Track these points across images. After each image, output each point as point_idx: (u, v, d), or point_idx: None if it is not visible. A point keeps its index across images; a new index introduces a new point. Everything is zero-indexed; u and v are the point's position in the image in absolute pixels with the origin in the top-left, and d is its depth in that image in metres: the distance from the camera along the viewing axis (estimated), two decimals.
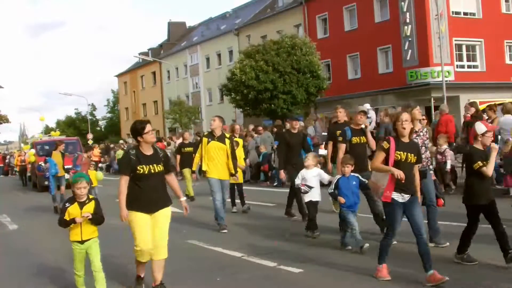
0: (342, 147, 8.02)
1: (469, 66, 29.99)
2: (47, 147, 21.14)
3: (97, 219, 5.52)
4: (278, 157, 10.10)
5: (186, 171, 13.94)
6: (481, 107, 14.00)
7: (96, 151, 27.49)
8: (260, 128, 19.75)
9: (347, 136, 8.04)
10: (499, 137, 10.54)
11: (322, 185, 8.03)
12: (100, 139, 52.47)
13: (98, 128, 69.70)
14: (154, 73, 56.77)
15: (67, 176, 13.49)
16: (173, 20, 60.86)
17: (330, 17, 34.61)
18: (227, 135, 9.41)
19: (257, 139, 18.83)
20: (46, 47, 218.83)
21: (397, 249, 6.72)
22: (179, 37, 57.29)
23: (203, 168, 9.14)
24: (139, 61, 58.64)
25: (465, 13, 29.71)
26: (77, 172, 12.81)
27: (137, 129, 5.46)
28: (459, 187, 11.85)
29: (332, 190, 7.16)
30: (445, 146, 11.61)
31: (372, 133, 13.92)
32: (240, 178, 11.11)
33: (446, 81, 25.04)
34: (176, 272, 6.47)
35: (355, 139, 8.01)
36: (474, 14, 29.96)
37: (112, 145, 34.86)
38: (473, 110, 12.39)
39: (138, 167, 5.40)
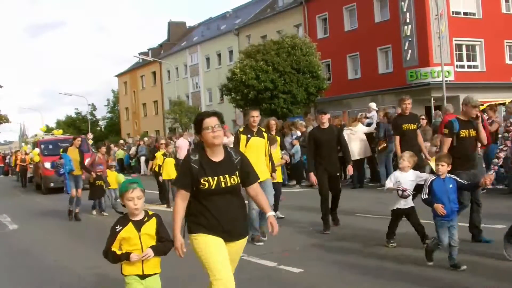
0: (447, 141, 6.85)
1: (469, 66, 29.99)
2: (50, 146, 20.44)
3: (163, 248, 3.85)
4: (307, 158, 8.87)
5: None
6: (481, 107, 13.97)
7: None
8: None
9: (454, 129, 6.85)
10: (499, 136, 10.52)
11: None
12: (100, 139, 52.45)
13: (98, 128, 69.69)
14: (154, 73, 56.78)
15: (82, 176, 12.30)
16: (173, 20, 60.93)
17: (330, 17, 34.62)
18: (262, 128, 8.19)
19: None
20: (46, 47, 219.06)
21: (399, 250, 6.72)
22: (179, 37, 57.31)
23: None
24: (139, 61, 58.64)
25: (465, 13, 29.72)
26: (100, 172, 12.33)
27: (195, 123, 3.96)
28: None
29: (426, 196, 5.79)
30: None
31: (372, 133, 14.03)
32: (278, 177, 9.22)
33: (446, 81, 25.06)
34: (176, 272, 6.47)
35: (463, 132, 6.81)
36: (474, 14, 29.96)
37: (111, 145, 34.82)
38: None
39: (202, 180, 3.80)
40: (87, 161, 12.67)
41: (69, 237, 9.83)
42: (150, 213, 3.90)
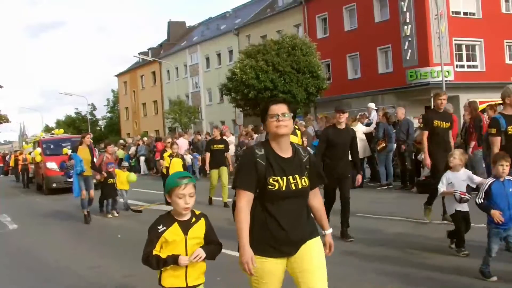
0: (497, 141, 6.15)
1: (469, 66, 30.00)
2: (52, 146, 20.02)
3: (215, 251, 3.31)
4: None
5: (214, 173, 11.97)
6: (481, 106, 13.98)
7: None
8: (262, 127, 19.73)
9: (501, 126, 6.17)
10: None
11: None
12: (100, 139, 52.45)
13: (98, 128, 69.72)
14: (154, 73, 56.78)
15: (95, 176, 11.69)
16: (173, 20, 60.93)
17: (330, 17, 34.62)
18: (296, 126, 7.50)
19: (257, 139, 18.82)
20: (46, 47, 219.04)
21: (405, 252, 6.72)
22: (179, 37, 57.31)
23: None
24: (139, 61, 58.64)
25: (465, 13, 29.72)
26: (112, 170, 11.87)
27: (261, 110, 3.38)
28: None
29: (482, 200, 5.16)
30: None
31: (372, 133, 14.03)
32: None
33: (446, 81, 25.06)
34: None
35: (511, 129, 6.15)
36: (474, 14, 29.97)
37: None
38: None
39: (271, 180, 3.15)
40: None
41: (69, 237, 9.83)
42: (197, 212, 3.28)
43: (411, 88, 28.32)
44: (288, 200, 3.19)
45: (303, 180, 3.23)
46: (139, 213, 11.94)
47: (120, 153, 28.93)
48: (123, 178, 12.32)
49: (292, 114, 3.27)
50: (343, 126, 7.48)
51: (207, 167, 12.16)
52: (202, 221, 3.25)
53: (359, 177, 7.89)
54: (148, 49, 58.12)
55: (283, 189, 3.16)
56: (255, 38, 37.83)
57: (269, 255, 3.20)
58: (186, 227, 3.17)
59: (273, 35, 33.94)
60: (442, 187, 6.03)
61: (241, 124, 31.27)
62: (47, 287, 6.51)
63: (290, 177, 3.19)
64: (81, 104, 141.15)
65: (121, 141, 34.65)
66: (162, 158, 12.87)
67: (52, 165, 18.45)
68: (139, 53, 53.85)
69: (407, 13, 28.58)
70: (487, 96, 24.29)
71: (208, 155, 12.11)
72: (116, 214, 11.78)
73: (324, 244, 3.37)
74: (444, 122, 8.06)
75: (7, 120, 42.86)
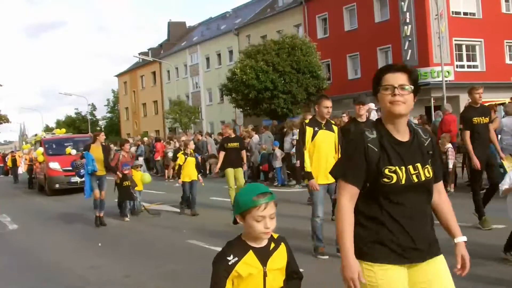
0: None
1: (469, 66, 29.99)
2: (54, 146, 19.50)
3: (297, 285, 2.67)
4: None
5: (229, 172, 11.15)
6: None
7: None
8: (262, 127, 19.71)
9: None
10: (499, 136, 10.53)
11: None
12: None
13: (98, 128, 69.71)
14: (154, 73, 56.79)
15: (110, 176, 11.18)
16: (173, 20, 60.96)
17: (330, 17, 34.61)
18: (332, 121, 6.86)
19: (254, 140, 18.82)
20: (46, 47, 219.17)
21: None
22: (179, 37, 57.32)
23: (307, 169, 6.50)
24: (139, 61, 58.65)
25: (465, 13, 29.71)
26: (128, 171, 11.24)
27: (373, 79, 2.73)
28: (459, 188, 11.86)
29: None
30: (448, 146, 11.61)
31: None
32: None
33: (446, 81, 25.06)
34: (176, 272, 6.48)
35: None
36: (474, 14, 29.96)
37: (111, 145, 34.70)
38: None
39: (387, 171, 2.49)
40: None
41: (69, 237, 9.83)
42: (275, 235, 2.55)
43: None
44: (408, 196, 2.50)
45: (426, 170, 2.53)
46: (157, 215, 11.33)
47: None
48: (137, 178, 11.77)
49: (412, 87, 2.53)
50: (363, 119, 6.94)
51: (218, 166, 11.54)
52: (282, 247, 2.54)
53: None
54: (148, 49, 58.14)
55: (403, 182, 2.47)
56: (255, 38, 37.83)
57: (392, 262, 2.48)
58: (264, 255, 2.43)
59: (273, 35, 33.95)
60: (503, 186, 5.43)
61: (241, 124, 31.27)
62: (47, 287, 6.51)
63: (410, 167, 2.49)
64: (81, 104, 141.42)
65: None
66: (176, 158, 11.94)
67: (54, 165, 18.06)
68: (139, 53, 53.85)
69: (407, 13, 28.56)
70: (487, 96, 24.17)
71: (222, 154, 11.31)
72: (127, 219, 11.16)
73: (454, 257, 2.62)
74: (483, 118, 7.61)
75: (7, 120, 42.92)
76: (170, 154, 22.38)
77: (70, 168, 17.71)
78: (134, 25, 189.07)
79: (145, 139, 29.16)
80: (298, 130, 15.99)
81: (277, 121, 22.48)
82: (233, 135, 11.71)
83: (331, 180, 6.34)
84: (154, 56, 53.53)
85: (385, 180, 2.48)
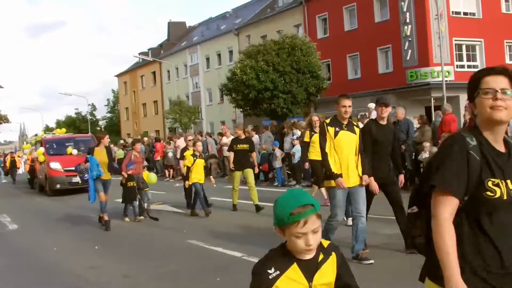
0: None
1: (469, 66, 29.97)
2: (55, 146, 19.26)
3: None
4: (361, 157, 6.38)
5: (236, 175, 11.16)
6: None
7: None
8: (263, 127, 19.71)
9: None
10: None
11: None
12: None
13: (98, 128, 69.75)
14: (154, 73, 56.80)
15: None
16: (173, 20, 60.97)
17: (330, 17, 34.62)
18: (355, 122, 6.60)
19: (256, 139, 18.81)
20: (46, 47, 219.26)
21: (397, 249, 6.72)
22: (179, 37, 57.33)
23: (333, 170, 6.20)
24: (139, 61, 58.66)
25: (465, 13, 29.72)
26: (134, 172, 10.91)
27: (469, 83, 2.35)
28: None
29: None
30: None
31: None
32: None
33: (446, 81, 25.04)
34: (176, 272, 6.48)
35: None
36: (474, 14, 29.97)
37: (111, 145, 34.58)
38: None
39: (489, 183, 2.18)
40: (116, 162, 11.73)
41: (69, 237, 9.83)
42: (326, 244, 2.22)
43: (411, 88, 28.31)
44: (508, 214, 2.19)
45: None
46: (154, 219, 10.86)
47: (120, 153, 28.81)
48: (144, 178, 11.45)
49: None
50: (385, 121, 6.70)
51: (231, 166, 11.42)
52: (333, 257, 2.20)
53: (401, 177, 7.14)
54: (148, 49, 58.16)
55: (505, 197, 2.16)
56: (255, 38, 37.84)
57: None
58: (310, 269, 2.13)
59: (273, 35, 33.95)
60: None
61: (241, 125, 31.28)
62: (47, 287, 6.51)
63: (509, 181, 2.19)
64: (81, 104, 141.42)
65: (122, 141, 34.67)
66: (182, 157, 11.63)
67: (55, 165, 17.87)
68: (139, 53, 53.88)
69: (407, 13, 28.58)
70: None
71: (232, 154, 11.37)
72: (126, 219, 10.95)
73: None
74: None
75: (7, 120, 42.90)
76: (170, 154, 22.40)
77: (72, 169, 17.35)
78: (134, 25, 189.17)
79: (145, 139, 29.15)
80: (297, 130, 15.80)
81: (277, 121, 22.47)
82: (243, 136, 11.58)
83: (353, 183, 6.21)
84: (154, 56, 53.54)
85: (488, 194, 2.15)
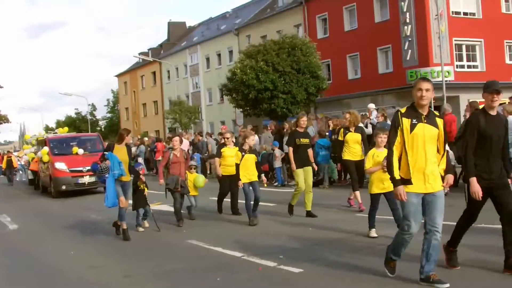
0: None
1: (469, 66, 30.00)
2: (60, 145, 18.59)
3: None
4: (465, 155, 5.43)
5: (299, 173, 9.71)
6: (481, 107, 13.96)
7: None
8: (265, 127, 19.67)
9: None
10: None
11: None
12: None
13: (98, 128, 69.77)
14: (154, 73, 56.82)
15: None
16: (173, 20, 60.99)
17: (330, 17, 34.62)
18: (436, 112, 5.31)
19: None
20: (46, 47, 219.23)
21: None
22: (179, 37, 57.35)
23: (395, 175, 5.07)
24: (139, 61, 58.68)
25: (465, 13, 29.72)
26: (173, 171, 9.61)
27: None
28: (458, 188, 11.87)
29: None
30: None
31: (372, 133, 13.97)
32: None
33: (446, 81, 25.06)
34: (176, 272, 6.48)
35: None
36: (474, 14, 29.97)
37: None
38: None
39: None
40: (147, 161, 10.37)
41: (69, 237, 9.83)
42: None
43: (411, 88, 28.24)
44: None
45: None
46: (156, 230, 9.70)
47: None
48: (190, 182, 10.18)
49: None
50: (495, 112, 5.55)
51: (293, 166, 9.75)
52: None
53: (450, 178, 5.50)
54: (148, 49, 58.19)
55: None
56: (255, 38, 37.86)
57: None
58: None
59: (273, 35, 33.97)
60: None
61: (241, 124, 31.28)
62: (47, 287, 6.51)
63: None
64: (81, 104, 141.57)
65: None
66: (219, 154, 10.49)
67: (60, 165, 17.14)
68: (139, 53, 53.91)
69: (407, 13, 28.56)
70: None
71: (291, 151, 9.81)
72: (141, 229, 9.60)
73: None
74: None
75: (7, 120, 42.93)
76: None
77: (78, 169, 17.07)
78: (134, 25, 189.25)
79: (145, 139, 29.16)
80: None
81: (277, 121, 22.46)
82: (302, 129, 10.02)
83: (431, 189, 5.01)
84: (154, 56, 53.56)
85: None
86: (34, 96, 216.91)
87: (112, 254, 7.94)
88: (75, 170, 17.05)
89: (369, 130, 13.87)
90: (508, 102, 11.90)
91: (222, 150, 10.65)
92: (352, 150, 10.17)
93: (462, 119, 15.21)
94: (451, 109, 13.41)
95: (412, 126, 5.02)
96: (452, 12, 29.03)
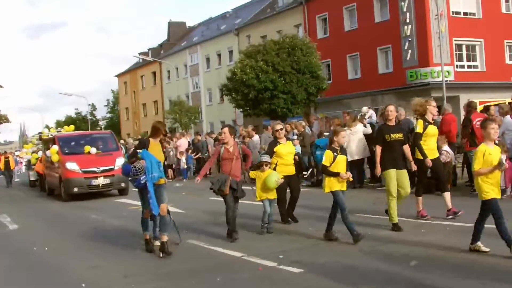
0: None
1: (469, 66, 30.01)
2: (71, 143, 17.17)
3: None
4: None
5: (392, 174, 7.80)
6: (480, 107, 14.00)
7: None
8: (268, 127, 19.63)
9: None
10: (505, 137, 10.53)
11: None
12: None
13: (98, 128, 69.73)
14: (154, 73, 56.83)
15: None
16: (173, 20, 60.98)
17: (330, 17, 34.63)
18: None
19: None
20: (46, 47, 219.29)
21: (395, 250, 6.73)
22: (179, 37, 57.36)
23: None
24: (139, 61, 58.70)
25: (465, 13, 29.73)
26: (225, 170, 8.00)
27: None
28: (459, 188, 11.88)
29: None
30: (444, 148, 11.60)
31: (372, 133, 13.97)
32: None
33: (446, 81, 25.07)
34: (176, 272, 6.48)
35: None
36: (474, 14, 29.98)
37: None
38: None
39: None
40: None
41: (69, 237, 9.83)
42: None
43: (411, 88, 28.27)
44: None
45: None
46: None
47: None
48: (260, 181, 8.37)
49: None
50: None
51: (378, 170, 8.04)
52: None
53: None
54: (148, 49, 58.18)
55: None
56: (255, 38, 37.87)
57: None
58: None
59: (273, 35, 33.98)
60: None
61: (241, 124, 31.28)
62: (47, 287, 6.51)
63: None
64: (81, 104, 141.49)
65: (122, 141, 34.66)
66: (271, 153, 8.79)
67: (72, 165, 15.64)
68: (139, 53, 53.94)
69: (407, 13, 28.59)
70: (487, 96, 24.30)
71: (379, 149, 7.97)
72: (157, 243, 7.61)
73: None
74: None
75: (7, 120, 42.86)
76: (171, 154, 22.37)
77: (91, 169, 15.47)
78: (134, 25, 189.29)
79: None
80: (296, 130, 15.47)
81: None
82: (393, 123, 8.10)
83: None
84: (154, 56, 53.57)
85: None
86: (34, 96, 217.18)
87: (112, 254, 7.94)
88: (88, 171, 15.60)
89: (368, 130, 13.91)
90: (509, 102, 11.93)
91: (275, 149, 8.84)
92: (430, 146, 8.23)
93: (462, 119, 15.22)
94: (451, 109, 13.41)
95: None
96: (452, 12, 29.05)
